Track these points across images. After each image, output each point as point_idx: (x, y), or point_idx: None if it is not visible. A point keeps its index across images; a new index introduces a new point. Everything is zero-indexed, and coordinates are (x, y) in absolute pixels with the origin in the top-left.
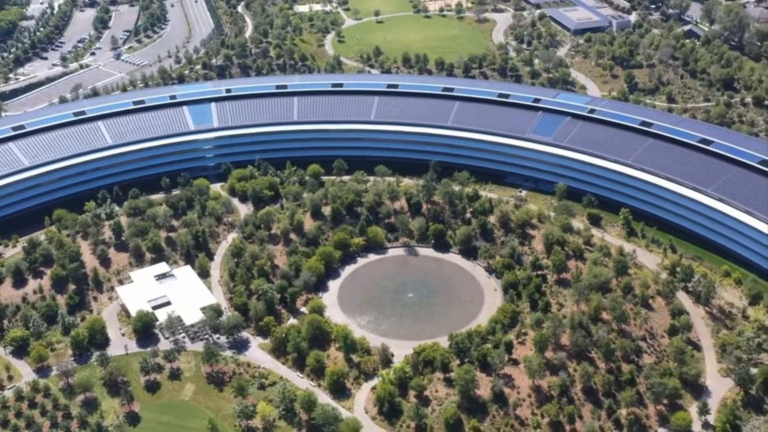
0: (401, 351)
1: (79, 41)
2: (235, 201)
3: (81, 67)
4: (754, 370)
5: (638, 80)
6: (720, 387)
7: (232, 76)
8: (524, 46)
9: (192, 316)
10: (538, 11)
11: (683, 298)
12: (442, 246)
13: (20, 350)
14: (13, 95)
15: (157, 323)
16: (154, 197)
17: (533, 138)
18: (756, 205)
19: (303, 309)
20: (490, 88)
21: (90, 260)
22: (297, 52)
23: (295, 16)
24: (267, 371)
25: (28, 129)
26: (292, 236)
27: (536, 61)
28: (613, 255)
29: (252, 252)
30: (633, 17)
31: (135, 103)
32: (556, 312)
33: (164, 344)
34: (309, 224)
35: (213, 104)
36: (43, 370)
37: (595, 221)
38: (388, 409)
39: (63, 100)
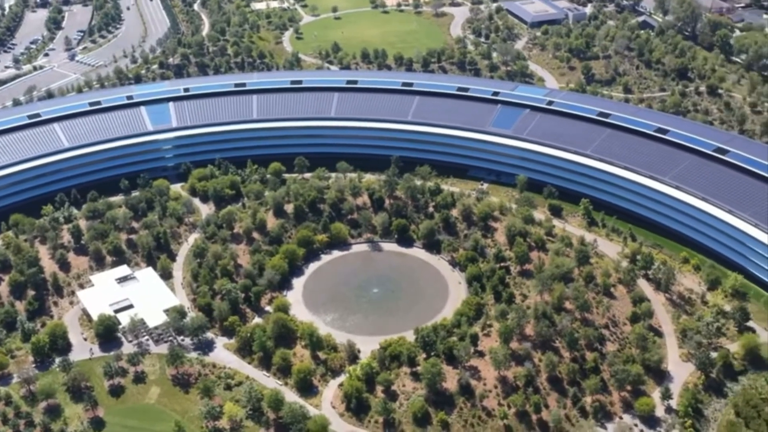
0: (367, 347)
1: (31, 42)
2: (196, 201)
3: (35, 68)
4: (714, 354)
5: (595, 71)
6: (681, 372)
7: (190, 75)
8: (482, 39)
9: (155, 318)
10: (495, 4)
11: (644, 286)
12: (405, 241)
13: None
14: None
15: (120, 327)
16: (114, 199)
17: (493, 131)
18: (712, 192)
19: (268, 308)
20: (450, 82)
21: (49, 265)
22: (255, 49)
23: (252, 14)
24: (233, 371)
25: None
26: (255, 235)
27: (494, 54)
28: (575, 245)
29: (215, 252)
30: (588, 9)
31: (91, 104)
32: (520, 303)
33: (128, 347)
34: (271, 222)
35: (171, 104)
36: (3, 378)
37: (556, 212)
38: (355, 405)
39: (17, 103)
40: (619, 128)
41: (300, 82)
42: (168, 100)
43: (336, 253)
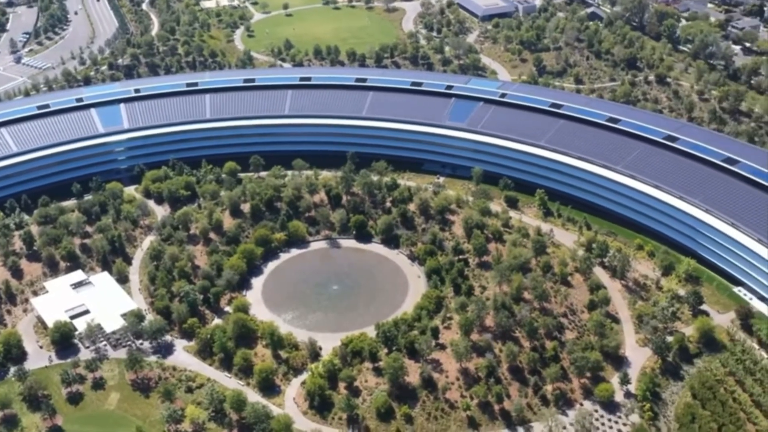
0: (329, 344)
1: None
2: (151, 203)
3: None
4: (669, 338)
5: (546, 63)
6: (639, 357)
7: (141, 76)
8: (434, 33)
9: (113, 323)
10: None
11: (600, 274)
12: (364, 236)
13: None
14: None
15: (77, 333)
16: (66, 204)
17: (448, 124)
18: (664, 179)
19: (227, 308)
20: (403, 76)
21: (0, 272)
22: (206, 48)
23: (202, 12)
24: (194, 374)
25: None
26: (212, 235)
27: (447, 48)
28: (532, 235)
29: (171, 254)
30: (538, 1)
31: (39, 107)
32: (480, 295)
33: (85, 354)
34: (228, 222)
35: (122, 105)
36: None
37: (512, 203)
38: (318, 402)
39: None
40: (571, 119)
41: (253, 80)
42: (119, 101)
43: (294, 252)
